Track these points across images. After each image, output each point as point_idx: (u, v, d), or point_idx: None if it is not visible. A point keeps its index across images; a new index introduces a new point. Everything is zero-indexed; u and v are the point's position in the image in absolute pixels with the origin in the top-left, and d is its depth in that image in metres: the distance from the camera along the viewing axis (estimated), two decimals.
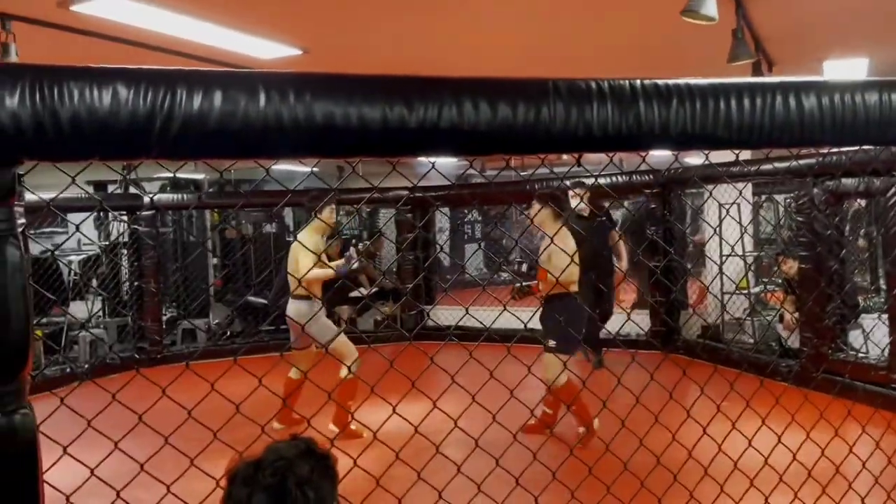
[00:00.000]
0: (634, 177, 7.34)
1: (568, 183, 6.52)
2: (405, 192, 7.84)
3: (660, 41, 5.50)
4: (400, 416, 1.88)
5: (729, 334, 6.96)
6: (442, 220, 10.70)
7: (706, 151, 1.83)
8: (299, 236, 5.51)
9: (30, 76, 1.21)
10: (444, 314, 8.66)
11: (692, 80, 1.68)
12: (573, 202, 6.26)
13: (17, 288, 1.24)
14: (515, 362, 2.25)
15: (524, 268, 12.18)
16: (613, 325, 7.31)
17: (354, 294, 8.55)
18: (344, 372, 4.72)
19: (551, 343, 4.56)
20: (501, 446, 2.11)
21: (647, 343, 6.74)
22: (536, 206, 4.67)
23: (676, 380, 2.28)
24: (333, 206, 5.19)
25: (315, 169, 2.20)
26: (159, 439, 1.71)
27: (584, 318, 4.77)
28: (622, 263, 6.87)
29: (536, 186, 8.00)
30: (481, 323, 2.49)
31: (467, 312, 2.26)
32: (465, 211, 12.11)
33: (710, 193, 6.72)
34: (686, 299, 7.79)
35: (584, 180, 6.68)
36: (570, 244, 4.54)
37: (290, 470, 1.27)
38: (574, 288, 4.43)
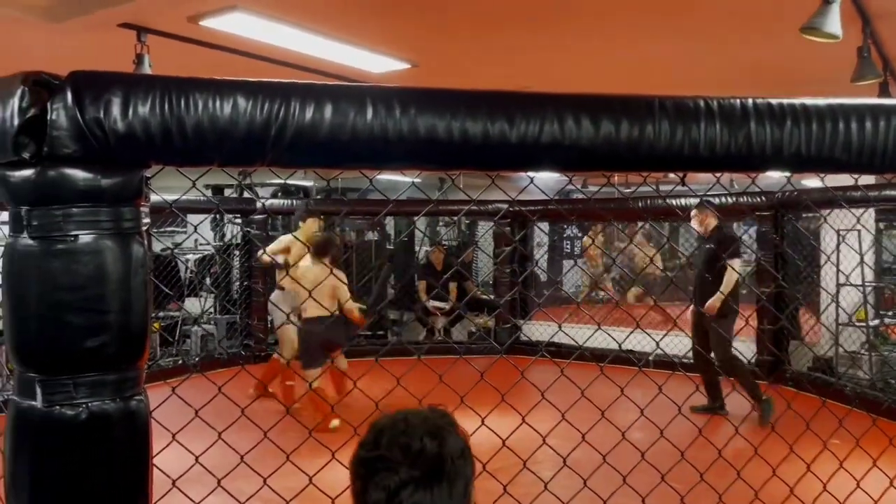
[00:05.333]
0: (744, 198, 7.03)
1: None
2: (503, 206, 7.85)
3: (780, 60, 5.27)
4: (489, 428, 1.88)
5: (842, 368, 6.55)
6: (541, 234, 10.62)
7: (822, 175, 1.75)
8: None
9: (160, 87, 1.30)
10: (539, 329, 8.58)
11: (808, 101, 1.61)
12: (693, 223, 5.87)
13: (140, 282, 1.33)
14: (608, 382, 2.21)
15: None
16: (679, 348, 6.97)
17: (440, 305, 8.70)
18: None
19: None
20: (590, 466, 2.08)
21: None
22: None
23: (781, 412, 2.17)
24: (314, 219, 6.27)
25: (417, 179, 2.26)
26: (259, 433, 1.79)
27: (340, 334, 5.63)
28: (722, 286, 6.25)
29: (640, 204, 7.82)
30: (574, 341, 2.46)
31: (560, 329, 2.25)
32: (565, 226, 11.97)
33: (825, 218, 6.33)
34: (797, 329, 7.37)
35: (704, 202, 6.26)
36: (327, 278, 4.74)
37: (446, 439, 1.19)
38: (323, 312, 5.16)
